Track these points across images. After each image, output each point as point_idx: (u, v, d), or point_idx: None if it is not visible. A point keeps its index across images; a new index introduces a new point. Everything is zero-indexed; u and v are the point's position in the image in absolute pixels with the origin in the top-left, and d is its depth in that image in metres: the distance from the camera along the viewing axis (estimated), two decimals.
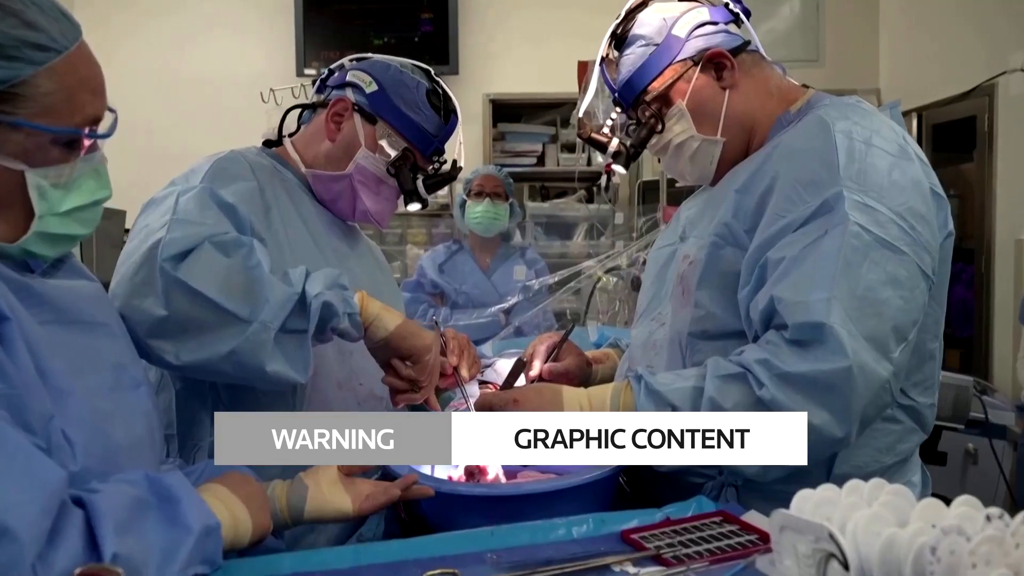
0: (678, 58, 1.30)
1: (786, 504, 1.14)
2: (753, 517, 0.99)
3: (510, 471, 1.38)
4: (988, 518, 0.60)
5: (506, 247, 3.58)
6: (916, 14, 4.21)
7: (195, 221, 1.19)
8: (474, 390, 2.08)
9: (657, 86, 1.30)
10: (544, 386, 1.25)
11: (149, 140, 4.56)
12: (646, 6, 1.37)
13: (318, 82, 1.59)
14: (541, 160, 4.84)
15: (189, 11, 4.98)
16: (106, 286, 1.12)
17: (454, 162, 1.58)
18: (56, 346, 0.84)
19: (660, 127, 1.32)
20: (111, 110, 0.92)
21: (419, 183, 1.51)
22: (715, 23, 1.33)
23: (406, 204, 1.55)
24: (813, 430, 1.04)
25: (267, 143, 1.57)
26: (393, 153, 1.48)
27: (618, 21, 1.36)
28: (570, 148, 4.78)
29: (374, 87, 1.48)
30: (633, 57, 1.32)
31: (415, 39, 4.88)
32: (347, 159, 1.48)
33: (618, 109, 1.39)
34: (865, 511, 0.65)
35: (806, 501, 0.70)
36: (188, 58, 4.96)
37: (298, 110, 1.58)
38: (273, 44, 4.93)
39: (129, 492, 0.79)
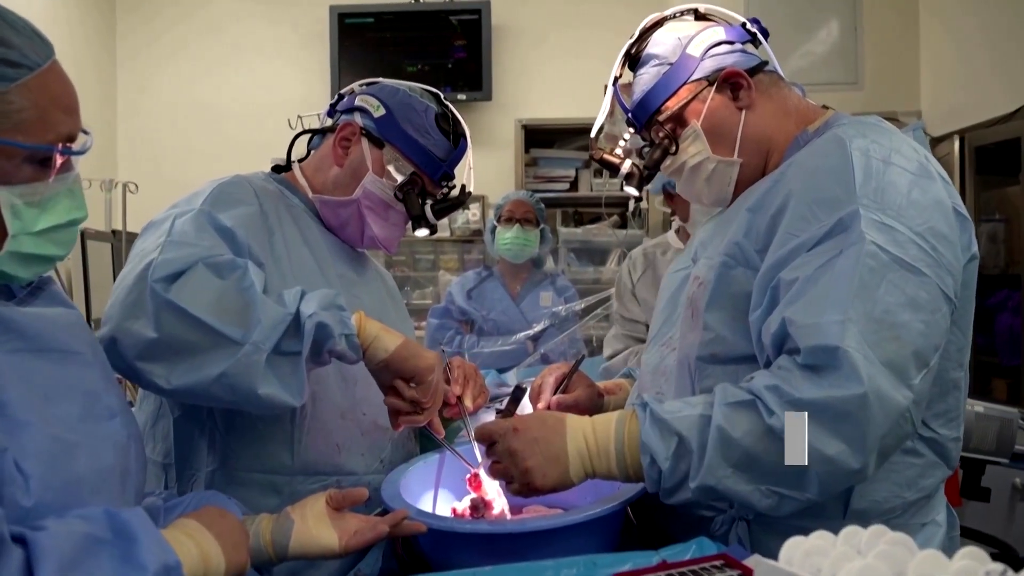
0: (693, 77, 1.26)
1: None
2: (755, 561, 0.92)
3: (515, 505, 1.34)
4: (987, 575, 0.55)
5: (537, 274, 3.54)
6: (957, 35, 4.11)
7: (189, 243, 1.16)
8: (490, 419, 2.05)
9: (671, 106, 1.27)
10: (547, 414, 1.19)
11: (184, 167, 4.64)
12: (661, 26, 1.34)
13: (329, 107, 1.57)
14: (574, 185, 4.82)
15: (225, 40, 5.09)
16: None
17: (463, 187, 1.55)
18: (20, 375, 0.82)
19: (674, 148, 1.28)
20: (85, 132, 0.90)
21: (427, 208, 1.48)
22: (731, 43, 1.29)
23: (414, 229, 1.51)
24: (826, 461, 0.98)
25: (276, 168, 1.56)
26: (400, 178, 1.46)
27: (632, 41, 1.34)
28: (603, 174, 4.75)
29: (382, 111, 1.46)
30: (647, 77, 1.29)
31: (448, 66, 4.91)
32: (355, 184, 1.46)
33: (631, 130, 1.36)
34: (857, 562, 0.59)
35: (796, 549, 0.65)
36: (224, 86, 5.05)
37: (307, 135, 1.56)
38: (308, 72, 5.01)
39: (81, 529, 0.76)
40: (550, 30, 4.99)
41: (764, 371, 1.07)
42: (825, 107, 1.31)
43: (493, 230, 3.46)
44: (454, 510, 1.32)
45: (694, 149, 1.27)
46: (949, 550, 0.66)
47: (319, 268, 1.42)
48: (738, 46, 1.29)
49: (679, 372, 1.25)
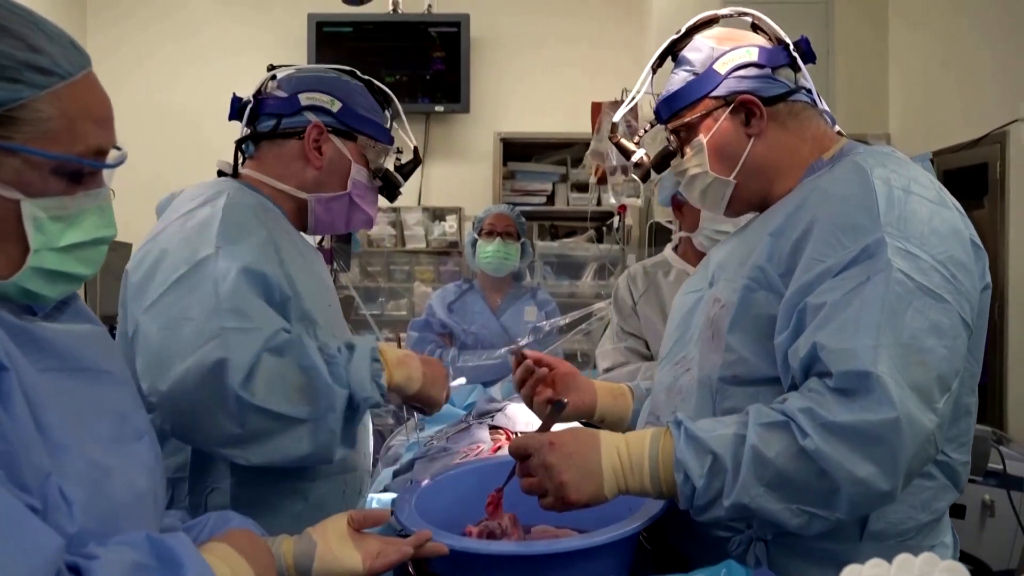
0: (712, 94, 1.29)
1: (816, 561, 1.15)
2: None
3: (525, 524, 1.34)
4: None
5: (517, 287, 3.54)
6: (926, 59, 4.22)
7: (247, 327, 1.23)
8: (484, 435, 2.05)
9: (687, 115, 1.31)
10: (581, 429, 1.20)
11: (156, 171, 4.56)
12: (711, 26, 1.37)
13: (247, 111, 1.50)
14: (551, 199, 4.85)
15: (198, 43, 5.04)
16: (107, 319, 1.10)
17: (415, 148, 1.67)
18: (56, 396, 0.80)
19: (680, 154, 1.35)
20: (118, 148, 0.88)
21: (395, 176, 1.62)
22: (761, 66, 1.29)
23: (391, 200, 1.64)
24: (858, 483, 1.01)
25: (222, 172, 1.54)
26: (379, 161, 1.58)
27: (677, 37, 1.37)
28: (580, 188, 4.79)
29: (338, 104, 1.51)
30: (676, 79, 1.34)
31: (427, 77, 4.92)
32: (340, 179, 1.53)
33: (653, 120, 1.41)
34: None
35: None
36: (198, 92, 5.00)
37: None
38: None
39: (129, 557, 0.75)
40: (529, 44, 5.02)
41: (796, 393, 1.09)
42: (840, 134, 1.34)
43: (474, 243, 3.45)
44: (469, 530, 1.32)
45: (696, 161, 1.32)
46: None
47: (308, 269, 1.48)
48: (767, 71, 1.29)
49: (700, 392, 1.27)
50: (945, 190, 1.19)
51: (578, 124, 4.41)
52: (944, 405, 1.05)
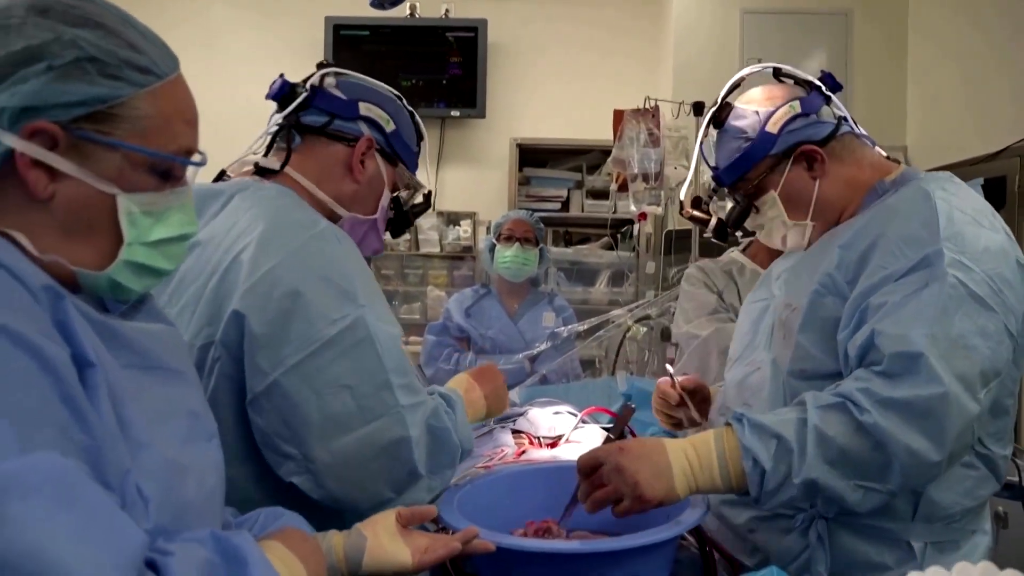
0: (771, 153, 1.42)
1: (872, 538, 1.28)
2: None
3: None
4: None
5: (534, 293, 3.55)
6: (945, 73, 4.22)
7: (416, 402, 1.24)
8: (507, 439, 2.05)
9: (752, 177, 1.44)
10: (647, 439, 1.35)
11: None
12: (738, 87, 1.50)
13: (299, 99, 1.41)
14: (566, 206, 4.85)
15: (217, 49, 5.04)
16: None
17: (429, 192, 1.61)
18: (136, 393, 0.81)
19: (754, 210, 1.48)
20: (199, 151, 0.90)
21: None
22: (806, 115, 1.42)
23: (396, 237, 1.59)
24: (910, 453, 1.13)
25: (260, 169, 1.42)
26: (405, 193, 1.53)
27: (715, 108, 1.49)
28: (595, 195, 4.79)
29: (392, 127, 1.46)
30: (731, 147, 1.46)
31: (443, 82, 4.93)
32: (372, 200, 1.46)
33: (715, 185, 1.54)
34: None
35: None
36: (217, 96, 4.98)
37: (273, 130, 1.44)
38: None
39: (200, 554, 0.76)
40: (546, 51, 5.03)
41: (848, 379, 1.21)
42: (896, 161, 1.47)
43: (492, 248, 3.47)
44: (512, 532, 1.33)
45: (772, 213, 1.45)
46: (993, 559, 0.75)
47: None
48: (812, 117, 1.43)
49: (773, 386, 1.40)
50: (997, 214, 1.31)
51: (594, 131, 4.42)
52: (984, 397, 1.17)
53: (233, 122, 5.04)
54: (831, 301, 1.31)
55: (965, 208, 1.27)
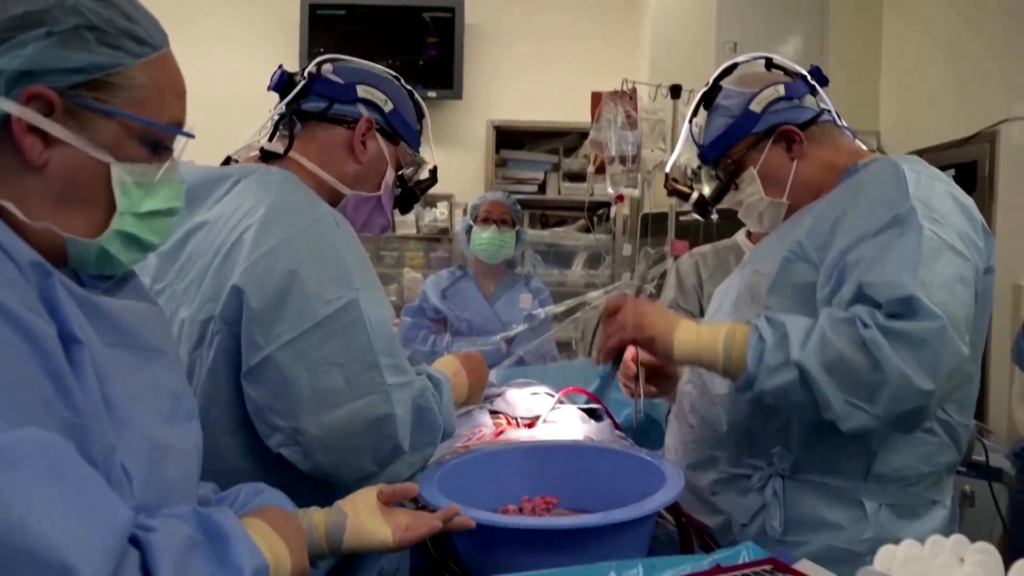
0: (753, 131, 1.48)
1: (825, 496, 1.33)
2: (805, 566, 0.97)
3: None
4: None
5: (511, 275, 3.56)
6: (920, 56, 4.26)
7: (401, 383, 1.27)
8: (485, 420, 2.07)
9: (734, 153, 1.50)
10: (664, 311, 1.41)
11: None
12: (730, 73, 1.55)
13: (298, 87, 1.44)
14: (542, 188, 4.86)
15: (191, 29, 4.95)
16: None
17: (434, 168, 1.64)
18: (120, 372, 0.81)
19: (734, 187, 1.53)
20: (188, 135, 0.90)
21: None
22: (789, 98, 1.49)
23: (404, 212, 1.63)
24: (902, 376, 1.16)
25: (267, 155, 1.45)
26: (409, 170, 1.56)
27: (707, 89, 1.55)
28: (572, 177, 4.80)
29: (390, 106, 1.49)
30: (717, 124, 1.52)
31: (420, 63, 4.90)
32: (375, 179, 1.50)
33: (700, 163, 1.60)
34: (958, 571, 0.64)
35: (890, 558, 0.69)
36: (190, 75, 4.89)
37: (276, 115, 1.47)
38: (277, 63, 4.89)
39: (182, 531, 0.77)
40: (523, 33, 5.02)
41: (856, 306, 1.23)
42: (873, 150, 1.52)
43: (469, 230, 3.47)
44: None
45: (750, 190, 1.51)
46: (949, 533, 0.77)
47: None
48: (795, 102, 1.50)
49: None
50: (960, 188, 1.35)
51: (571, 113, 4.42)
52: (966, 346, 1.19)
53: (209, 101, 5.01)
54: (801, 267, 1.35)
55: (932, 181, 1.31)
